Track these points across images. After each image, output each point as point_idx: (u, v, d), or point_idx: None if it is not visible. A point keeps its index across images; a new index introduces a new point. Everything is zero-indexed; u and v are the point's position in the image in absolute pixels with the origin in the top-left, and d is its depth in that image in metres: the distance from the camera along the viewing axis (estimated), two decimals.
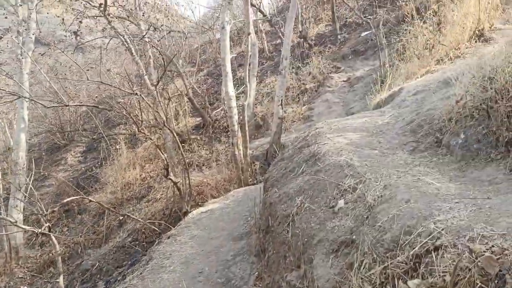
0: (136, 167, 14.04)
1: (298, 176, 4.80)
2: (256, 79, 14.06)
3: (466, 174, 3.90)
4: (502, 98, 4.04)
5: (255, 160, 11.08)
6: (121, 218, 11.77)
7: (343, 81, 14.52)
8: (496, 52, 4.55)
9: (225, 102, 10.36)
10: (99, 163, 15.83)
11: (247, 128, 9.74)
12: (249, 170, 9.83)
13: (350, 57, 15.65)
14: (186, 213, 10.20)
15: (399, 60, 9.38)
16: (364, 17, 15.55)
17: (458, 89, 4.67)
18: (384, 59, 11.37)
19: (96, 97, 14.75)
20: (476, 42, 7.26)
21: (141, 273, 5.88)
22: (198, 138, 14.55)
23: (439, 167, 4.21)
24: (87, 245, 12.14)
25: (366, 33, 16.22)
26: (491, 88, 4.20)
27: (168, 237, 6.70)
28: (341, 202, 3.94)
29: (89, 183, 14.95)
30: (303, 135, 5.93)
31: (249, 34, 9.92)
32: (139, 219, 10.70)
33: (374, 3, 16.92)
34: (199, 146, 14.10)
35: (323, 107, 13.22)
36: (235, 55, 19.36)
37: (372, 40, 15.43)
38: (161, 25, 16.87)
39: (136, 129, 8.84)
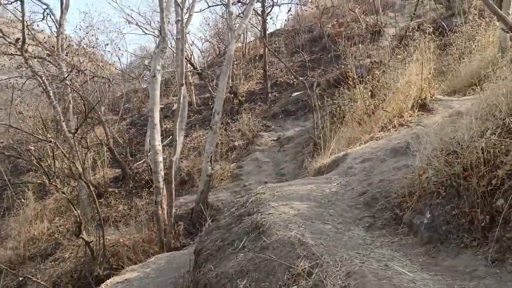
0: (43, 220, 12.61)
1: (239, 251, 4.10)
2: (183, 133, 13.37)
3: (438, 262, 3.40)
4: (472, 176, 3.64)
5: (179, 219, 10.21)
6: (20, 279, 10.31)
7: (273, 140, 14.17)
8: (460, 124, 4.21)
9: (150, 156, 9.55)
10: (1, 214, 14.16)
11: (173, 186, 8.94)
12: (173, 231, 8.95)
13: (280, 117, 15.42)
14: (98, 278, 9.08)
15: (339, 124, 9.11)
16: (296, 78, 15.50)
17: (418, 161, 4.26)
18: (318, 121, 11.14)
19: (2, 142, 13.38)
20: (418, 111, 7.10)
21: None
22: (117, 191, 13.45)
23: (403, 250, 3.69)
24: None
25: (297, 93, 16.16)
26: (457, 163, 3.80)
27: None
28: None
29: None
30: (241, 200, 5.26)
31: (182, 85, 9.30)
32: (42, 283, 9.38)
33: (306, 65, 17.02)
34: (116, 200, 13.00)
35: (253, 166, 12.70)
36: (162, 106, 18.62)
37: (303, 101, 15.35)
38: (85, 69, 15.97)
39: (47, 181, 7.80)
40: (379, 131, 6.97)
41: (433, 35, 8.81)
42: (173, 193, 9.02)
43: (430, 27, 9.42)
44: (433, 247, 3.62)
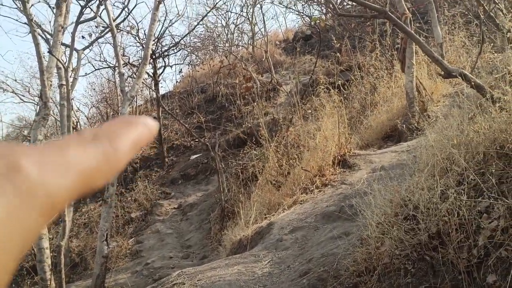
0: None
1: None
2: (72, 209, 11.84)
3: None
4: (445, 247, 3.00)
5: None
6: None
7: (174, 208, 13.08)
8: (412, 183, 3.61)
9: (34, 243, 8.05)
10: None
11: (63, 276, 7.49)
12: None
13: (180, 182, 14.41)
14: None
15: (248, 186, 8.35)
16: (197, 139, 14.73)
17: (371, 229, 3.55)
18: (223, 184, 10.33)
19: None
20: (339, 168, 6.56)
21: None
22: None
23: None
24: None
25: (196, 156, 15.35)
26: (421, 231, 3.15)
27: None
28: None
29: None
30: None
31: None
32: None
33: (203, 126, 16.34)
34: None
35: (154, 240, 11.44)
36: None
37: (203, 163, 14.55)
38: None
39: None
40: (302, 193, 6.28)
41: (333, 90, 8.53)
42: (63, 283, 7.56)
43: (332, 82, 9.15)
44: None
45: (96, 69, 18.70)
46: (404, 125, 7.66)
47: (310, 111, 8.54)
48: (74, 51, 11.40)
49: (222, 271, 4.35)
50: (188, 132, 16.96)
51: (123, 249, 11.15)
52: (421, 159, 3.93)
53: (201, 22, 19.60)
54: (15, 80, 20.74)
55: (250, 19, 20.10)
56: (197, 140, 16.26)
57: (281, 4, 18.34)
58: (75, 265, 11.30)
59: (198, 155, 15.30)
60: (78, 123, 17.48)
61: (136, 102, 21.29)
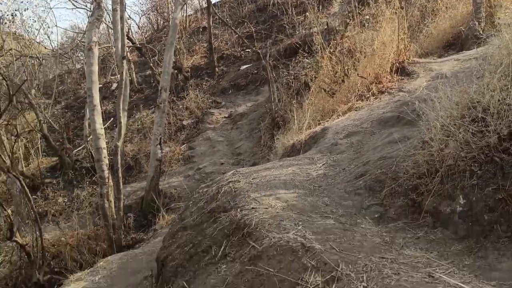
0: None
1: (220, 262, 3.14)
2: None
3: (493, 264, 2.59)
4: None
5: (127, 211, 9.09)
6: None
7: (225, 117, 13.18)
8: (481, 84, 3.40)
9: (91, 142, 8.35)
10: None
11: (120, 175, 7.80)
12: (122, 226, 7.85)
13: (230, 92, 14.40)
14: (37, 285, 7.88)
15: (300, 95, 8.22)
16: (249, 47, 14.51)
17: (434, 132, 3.41)
18: (274, 94, 10.23)
19: None
20: (397, 75, 6.30)
21: None
22: (54, 182, 12.08)
23: (436, 249, 2.86)
24: None
25: (246, 66, 15.18)
26: (495, 132, 3.00)
27: None
28: None
29: None
30: (209, 190, 4.28)
31: (123, 58, 8.09)
32: None
33: (253, 36, 16.01)
34: (55, 193, 11.66)
35: (206, 147, 11.67)
36: (101, 86, 17.14)
37: (253, 74, 14.41)
38: (10, 49, 14.27)
39: None
40: (357, 100, 6.13)
41: None
42: (121, 183, 7.89)
43: None
44: (474, 243, 2.81)
45: None
46: (469, 33, 7.21)
47: (367, 17, 8.13)
48: None
49: (277, 171, 4.37)
50: (238, 42, 16.71)
51: (175, 154, 11.45)
52: (493, 60, 3.67)
53: None
54: None
55: None
56: (247, 49, 16.03)
57: None
58: (129, 168, 11.74)
59: (248, 65, 15.13)
60: (130, 31, 17.50)
61: (186, 12, 20.98)
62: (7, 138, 10.17)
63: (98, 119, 7.65)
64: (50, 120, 14.07)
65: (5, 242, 9.75)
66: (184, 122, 13.18)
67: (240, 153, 11.07)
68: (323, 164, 4.45)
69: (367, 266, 2.55)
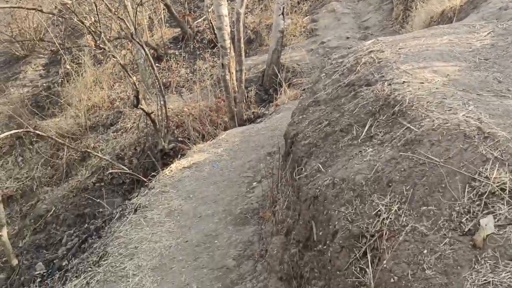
0: (104, 87, 11.61)
1: (365, 144, 2.68)
2: None
3: None
4: None
5: (248, 84, 8.86)
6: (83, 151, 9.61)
7: None
8: None
9: (213, 8, 7.94)
10: (61, 80, 13.26)
11: (242, 45, 7.41)
12: (244, 99, 7.64)
13: None
14: (163, 152, 8.14)
15: None
16: None
17: None
18: None
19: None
20: None
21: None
22: (177, 53, 12.11)
23: None
24: (43, 182, 10.00)
25: None
26: None
27: (135, 210, 4.60)
28: (487, 222, 1.87)
29: (50, 102, 12.44)
30: (345, 61, 3.73)
31: None
32: (105, 157, 8.60)
33: None
34: (178, 64, 11.72)
35: (330, 19, 10.83)
36: None
37: None
38: None
39: (93, 43, 6.50)
40: None
41: None
42: (243, 53, 7.53)
43: None
44: None
45: None
46: None
47: None
48: None
49: (428, 40, 3.65)
50: None
51: (298, 26, 10.80)
52: None
53: None
54: None
55: None
56: None
57: None
58: (250, 41, 11.35)
59: None
60: None
61: None
62: (131, 6, 10.10)
63: None
64: None
65: (133, 111, 10.18)
66: None
67: (367, 27, 10.14)
68: (488, 33, 3.64)
69: None
